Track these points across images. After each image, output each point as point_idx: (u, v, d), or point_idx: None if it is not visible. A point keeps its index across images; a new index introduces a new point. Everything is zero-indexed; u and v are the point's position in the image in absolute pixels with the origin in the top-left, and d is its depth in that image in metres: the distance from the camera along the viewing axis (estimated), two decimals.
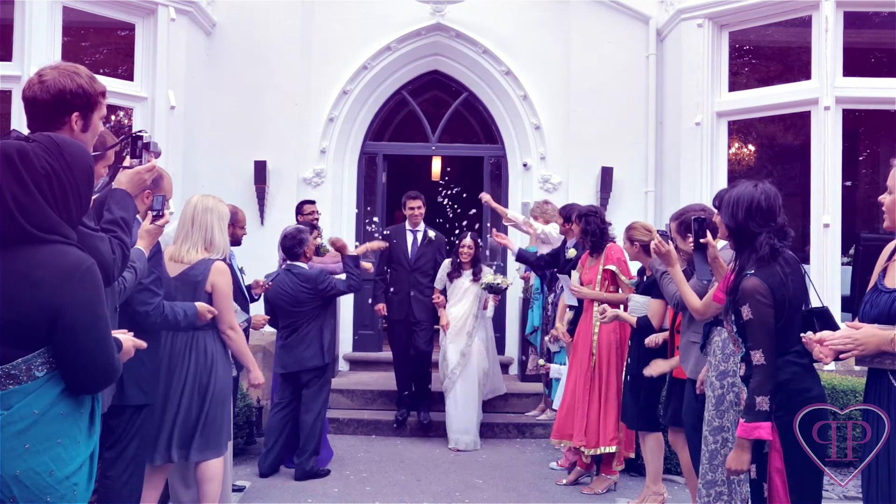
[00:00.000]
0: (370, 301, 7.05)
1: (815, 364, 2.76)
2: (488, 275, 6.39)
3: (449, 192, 7.12)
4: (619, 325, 5.11)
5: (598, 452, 5.13)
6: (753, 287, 2.72)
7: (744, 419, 2.73)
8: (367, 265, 6.42)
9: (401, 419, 6.70)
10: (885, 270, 2.60)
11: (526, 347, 7.46)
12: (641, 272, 4.95)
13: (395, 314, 6.67)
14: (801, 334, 2.60)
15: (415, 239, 6.72)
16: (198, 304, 3.67)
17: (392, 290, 6.65)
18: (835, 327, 2.70)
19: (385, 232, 7.13)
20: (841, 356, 2.51)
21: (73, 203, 1.95)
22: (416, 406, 6.74)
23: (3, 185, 1.84)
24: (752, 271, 2.77)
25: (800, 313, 2.77)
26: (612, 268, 5.16)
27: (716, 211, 3.07)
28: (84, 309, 1.87)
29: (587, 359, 5.20)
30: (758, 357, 2.71)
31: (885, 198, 2.60)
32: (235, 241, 5.18)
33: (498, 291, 6.39)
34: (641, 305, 4.70)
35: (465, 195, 7.42)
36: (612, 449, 5.07)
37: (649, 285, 4.67)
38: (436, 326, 6.67)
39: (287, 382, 5.58)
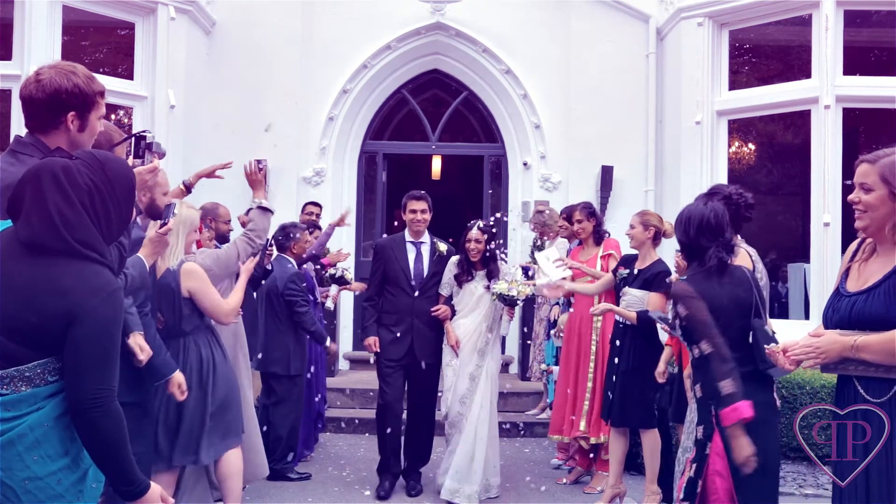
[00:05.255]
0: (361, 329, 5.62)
1: (771, 369, 2.77)
2: (502, 282, 4.97)
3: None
4: (606, 317, 5.09)
5: (601, 441, 5.14)
6: (681, 288, 2.91)
7: (719, 409, 2.75)
8: (359, 286, 6.35)
9: (383, 495, 5.01)
10: (847, 272, 2.55)
11: (527, 349, 7.44)
12: (627, 262, 4.93)
13: (391, 353, 5.05)
14: (765, 346, 2.66)
15: (419, 254, 5.16)
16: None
17: (387, 321, 5.13)
18: (768, 340, 2.75)
19: (375, 244, 5.60)
20: (803, 365, 2.51)
21: (115, 217, 1.97)
22: (406, 472, 5.21)
23: (49, 200, 1.86)
24: (684, 278, 3.00)
25: (738, 323, 2.85)
26: (612, 252, 5.35)
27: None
28: (98, 323, 1.86)
29: (588, 347, 5.28)
30: (704, 347, 2.80)
31: (860, 195, 2.41)
32: (221, 237, 5.15)
33: (513, 304, 5.02)
34: (639, 300, 4.69)
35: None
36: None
37: (649, 279, 4.66)
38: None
39: (263, 380, 5.46)
